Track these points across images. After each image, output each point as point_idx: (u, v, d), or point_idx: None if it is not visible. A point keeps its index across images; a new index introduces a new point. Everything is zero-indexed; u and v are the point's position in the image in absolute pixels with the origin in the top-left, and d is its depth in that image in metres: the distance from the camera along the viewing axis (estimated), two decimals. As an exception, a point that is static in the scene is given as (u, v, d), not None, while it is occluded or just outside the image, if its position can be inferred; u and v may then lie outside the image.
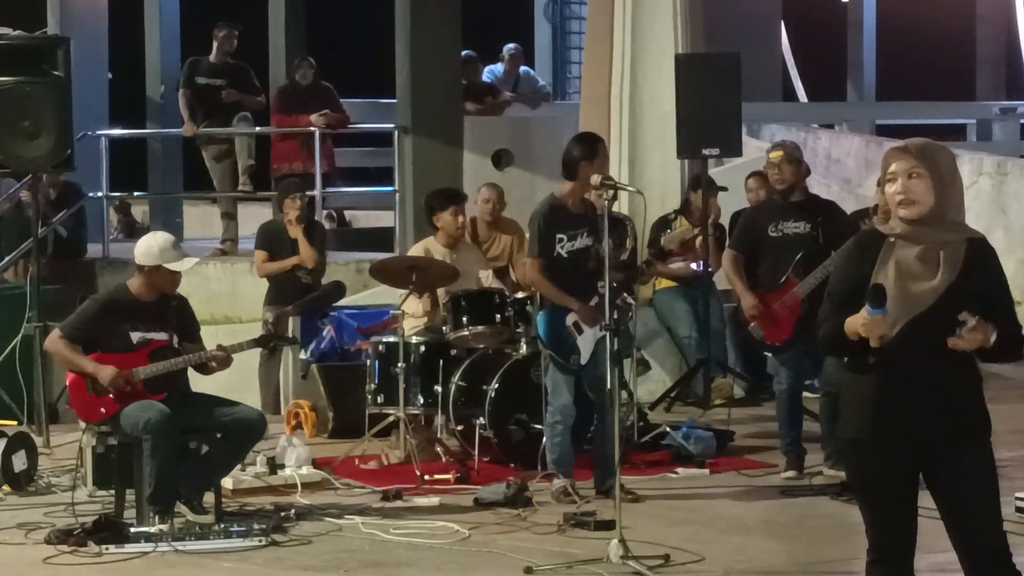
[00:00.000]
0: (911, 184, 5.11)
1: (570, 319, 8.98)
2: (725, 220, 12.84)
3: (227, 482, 8.94)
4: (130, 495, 8.38)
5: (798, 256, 9.50)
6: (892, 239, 5.13)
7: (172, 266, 8.44)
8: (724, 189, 12.70)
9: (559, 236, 8.99)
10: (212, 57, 14.99)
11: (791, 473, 9.55)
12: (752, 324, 9.63)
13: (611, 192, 8.43)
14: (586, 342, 8.96)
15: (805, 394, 9.92)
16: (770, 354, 9.77)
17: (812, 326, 9.27)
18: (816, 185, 15.62)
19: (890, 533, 5.18)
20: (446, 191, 11.31)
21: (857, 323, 5.05)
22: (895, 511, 5.17)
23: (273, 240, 12.12)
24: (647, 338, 12.43)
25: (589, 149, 8.99)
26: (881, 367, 5.11)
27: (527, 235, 10.41)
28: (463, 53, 15.87)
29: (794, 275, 9.47)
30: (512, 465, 9.74)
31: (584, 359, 8.99)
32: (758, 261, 9.67)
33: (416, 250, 10.93)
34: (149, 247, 8.50)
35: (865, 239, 5.24)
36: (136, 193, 17.32)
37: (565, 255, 8.99)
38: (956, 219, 5.15)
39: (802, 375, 9.74)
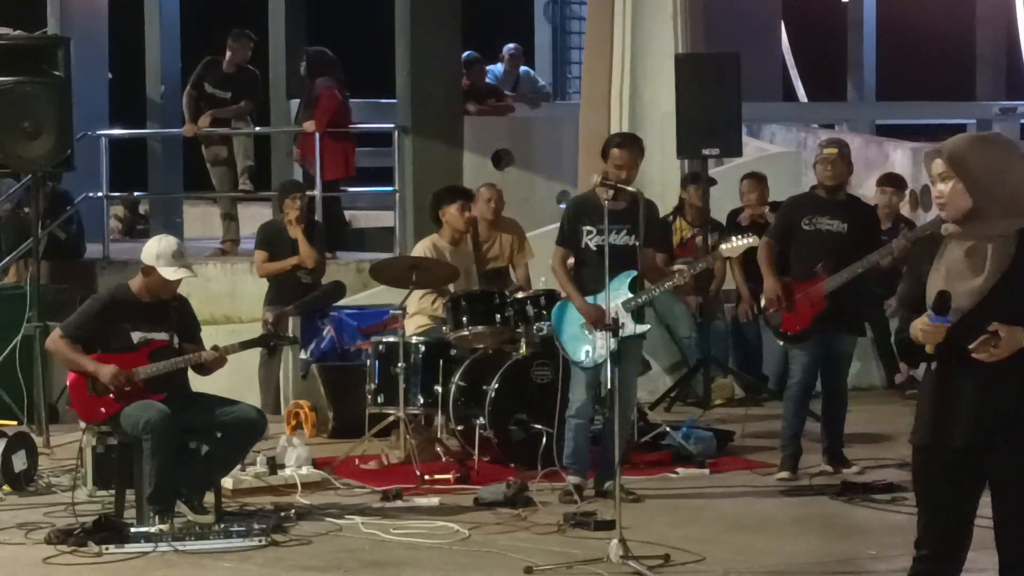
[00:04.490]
0: (942, 188, 5.07)
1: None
2: (721, 217, 12.87)
3: (227, 482, 8.94)
4: (130, 495, 8.38)
5: (831, 254, 9.49)
6: (947, 237, 5.09)
7: (164, 272, 8.42)
8: (713, 182, 12.70)
9: (587, 229, 8.95)
10: (224, 65, 14.96)
11: (785, 474, 9.54)
12: (771, 310, 9.64)
13: (611, 192, 8.44)
14: (603, 341, 8.75)
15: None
16: (783, 342, 9.76)
17: (831, 323, 9.43)
18: (816, 185, 15.62)
19: (938, 534, 5.17)
20: (454, 187, 11.34)
21: (916, 328, 5.01)
22: (946, 512, 5.16)
23: (273, 240, 12.13)
24: (647, 338, 12.41)
25: (606, 147, 8.96)
26: (938, 373, 5.10)
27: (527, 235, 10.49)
28: (468, 54, 15.88)
29: (824, 271, 9.47)
30: (512, 465, 9.73)
31: (597, 357, 8.93)
32: (788, 252, 9.66)
33: (422, 246, 10.89)
34: (151, 248, 8.51)
35: (926, 240, 5.21)
36: (136, 193, 17.31)
37: (593, 248, 8.94)
38: (1013, 211, 5.03)
39: (815, 371, 9.69)
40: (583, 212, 9.01)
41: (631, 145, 9.00)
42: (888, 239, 10.45)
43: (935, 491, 5.18)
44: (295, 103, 15.43)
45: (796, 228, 9.62)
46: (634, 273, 8.84)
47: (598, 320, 8.77)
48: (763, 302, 9.78)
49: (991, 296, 5.00)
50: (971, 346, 4.94)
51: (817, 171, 9.74)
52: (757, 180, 12.87)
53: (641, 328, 8.98)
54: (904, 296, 5.23)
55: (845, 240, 9.58)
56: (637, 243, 8.80)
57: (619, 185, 8.67)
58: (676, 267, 12.38)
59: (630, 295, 8.86)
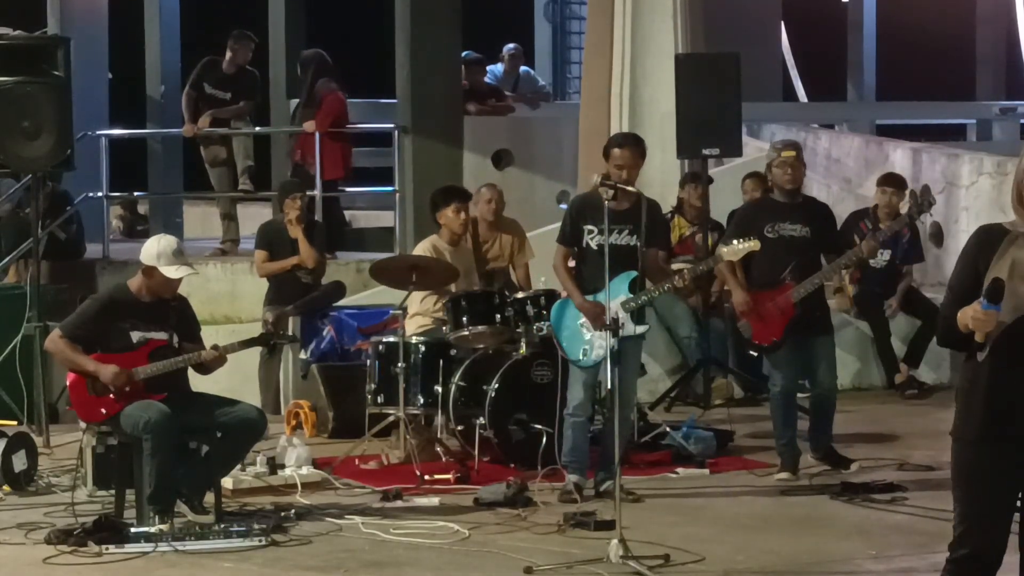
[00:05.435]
0: None
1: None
2: (721, 218, 12.87)
3: (227, 482, 8.94)
4: (130, 495, 8.38)
5: (796, 259, 9.45)
6: (1011, 234, 5.08)
7: (166, 271, 8.43)
8: (710, 180, 12.71)
9: (588, 228, 8.95)
10: (224, 65, 14.96)
11: (785, 475, 9.52)
12: (742, 321, 9.60)
13: (611, 192, 8.43)
14: (601, 340, 8.79)
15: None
16: (756, 353, 9.71)
17: (802, 328, 9.40)
18: (816, 185, 15.63)
19: (982, 535, 5.16)
20: (451, 188, 11.33)
21: (967, 315, 4.99)
22: (993, 513, 5.16)
23: (273, 240, 12.13)
24: (647, 338, 12.41)
25: (607, 147, 8.98)
26: (990, 367, 5.09)
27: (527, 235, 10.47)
28: (467, 54, 15.88)
29: (791, 278, 9.43)
30: (512, 465, 9.73)
31: (594, 357, 8.93)
32: (751, 259, 9.59)
33: (422, 247, 10.90)
34: (150, 248, 8.50)
35: (985, 234, 5.17)
36: (136, 193, 17.31)
37: (594, 247, 8.94)
38: None
39: (796, 376, 9.70)
40: (585, 211, 9.01)
41: (632, 145, 8.99)
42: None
43: (985, 487, 5.15)
44: (295, 103, 15.43)
45: (758, 237, 9.34)
46: (634, 274, 8.83)
47: (597, 318, 8.77)
48: (733, 303, 9.70)
49: None
50: None
51: (775, 175, 9.55)
52: (760, 180, 12.85)
53: (640, 328, 8.98)
54: (956, 283, 5.20)
55: (810, 244, 9.51)
56: (639, 244, 8.79)
57: (619, 185, 8.66)
58: (676, 266, 12.42)
59: (630, 295, 8.86)
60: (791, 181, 9.53)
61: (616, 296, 8.75)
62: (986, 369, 5.11)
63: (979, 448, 5.15)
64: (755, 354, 9.72)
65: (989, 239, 5.13)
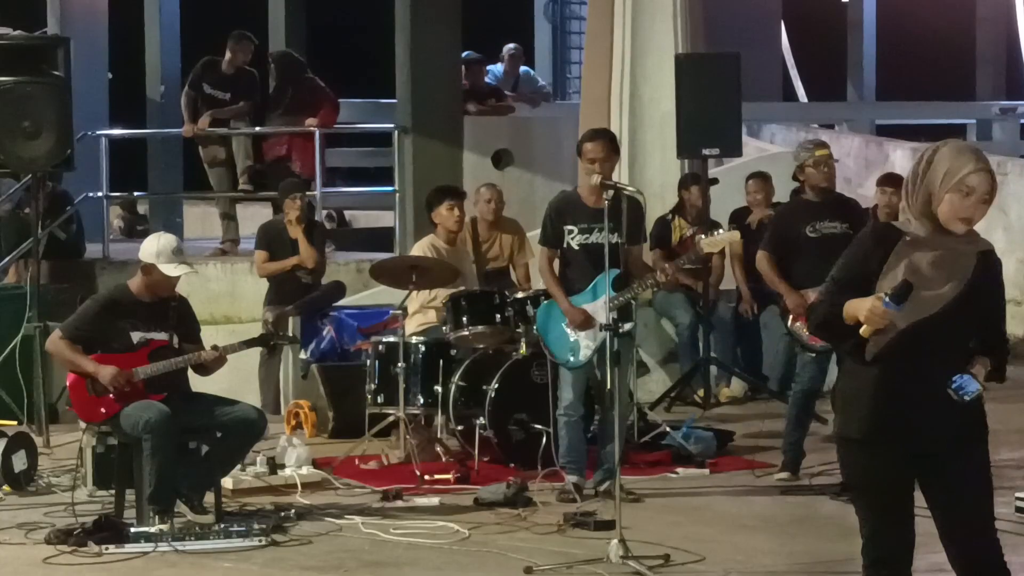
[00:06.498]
0: (983, 210, 5.10)
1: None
2: (721, 218, 12.86)
3: (227, 482, 8.94)
4: (130, 495, 8.38)
5: (838, 256, 9.36)
6: (908, 238, 5.09)
7: (165, 269, 8.43)
8: (715, 181, 12.69)
9: (568, 228, 8.96)
10: (224, 66, 14.95)
11: (785, 475, 9.50)
12: (797, 324, 9.46)
13: (610, 192, 8.43)
14: (587, 341, 8.91)
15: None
16: (811, 353, 9.52)
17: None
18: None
19: (889, 536, 5.14)
20: (443, 187, 11.34)
21: (861, 308, 4.97)
22: (894, 512, 5.13)
23: (273, 240, 12.13)
24: (647, 338, 12.44)
25: (579, 143, 9.00)
26: (882, 368, 5.06)
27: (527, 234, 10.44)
28: (467, 54, 15.88)
29: None
30: (512, 465, 9.74)
31: (582, 358, 8.94)
32: (791, 262, 9.49)
33: (420, 246, 10.90)
34: (150, 246, 8.51)
35: (882, 233, 5.18)
36: (136, 193, 17.31)
37: (576, 248, 8.95)
38: (973, 229, 5.12)
39: (823, 377, 9.60)
40: (564, 212, 9.02)
41: (602, 138, 9.01)
42: None
43: (881, 489, 5.12)
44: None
45: (798, 237, 9.39)
46: (617, 271, 8.83)
47: (582, 324, 8.82)
48: (789, 320, 9.56)
49: (955, 304, 5.03)
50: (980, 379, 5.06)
51: (811, 175, 9.51)
52: (763, 180, 12.84)
53: (627, 326, 8.97)
54: (842, 275, 5.20)
55: (850, 240, 9.48)
56: (620, 241, 8.79)
57: (619, 185, 8.66)
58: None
59: (614, 293, 8.85)
60: (827, 179, 9.53)
61: (601, 295, 8.76)
62: (876, 371, 5.07)
63: (867, 450, 5.11)
64: (812, 355, 9.52)
65: (885, 239, 5.14)
